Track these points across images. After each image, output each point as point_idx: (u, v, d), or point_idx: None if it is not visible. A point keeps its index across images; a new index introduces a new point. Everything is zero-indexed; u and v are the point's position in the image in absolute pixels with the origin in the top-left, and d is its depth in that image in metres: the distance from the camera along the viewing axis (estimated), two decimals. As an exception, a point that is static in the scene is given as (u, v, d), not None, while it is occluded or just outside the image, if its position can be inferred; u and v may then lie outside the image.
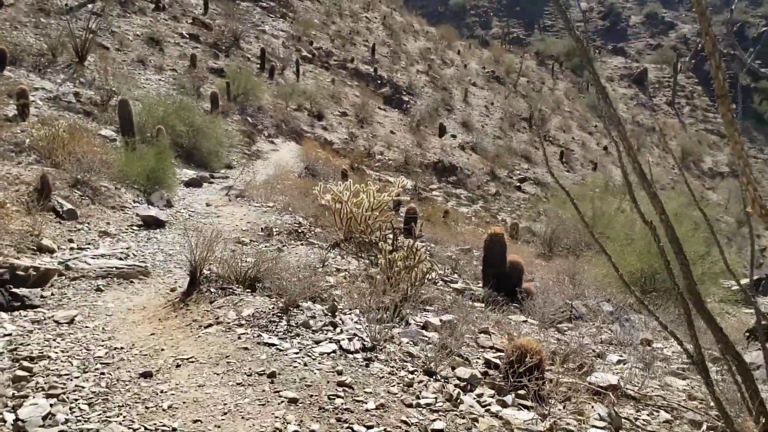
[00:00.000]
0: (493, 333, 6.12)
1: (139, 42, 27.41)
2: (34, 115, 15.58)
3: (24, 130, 12.26)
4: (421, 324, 5.94)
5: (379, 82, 42.03)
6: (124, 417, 3.79)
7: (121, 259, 7.26)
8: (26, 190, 8.88)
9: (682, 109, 76.75)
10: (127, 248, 8.01)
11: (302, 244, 8.75)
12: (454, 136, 39.87)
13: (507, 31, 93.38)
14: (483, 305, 7.28)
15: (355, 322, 5.42)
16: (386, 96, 40.74)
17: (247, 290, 6.05)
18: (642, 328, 7.58)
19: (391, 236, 8.14)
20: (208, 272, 6.23)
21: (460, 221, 24.28)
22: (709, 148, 69.16)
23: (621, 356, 6.18)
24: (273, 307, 5.48)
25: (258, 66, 32.05)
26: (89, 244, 8.15)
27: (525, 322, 6.99)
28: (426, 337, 5.52)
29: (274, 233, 9.33)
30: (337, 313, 5.57)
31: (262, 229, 9.49)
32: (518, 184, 37.08)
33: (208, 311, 5.50)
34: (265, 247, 8.45)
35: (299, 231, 9.65)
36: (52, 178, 9.67)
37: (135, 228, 9.35)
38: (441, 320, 6.03)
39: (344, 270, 7.43)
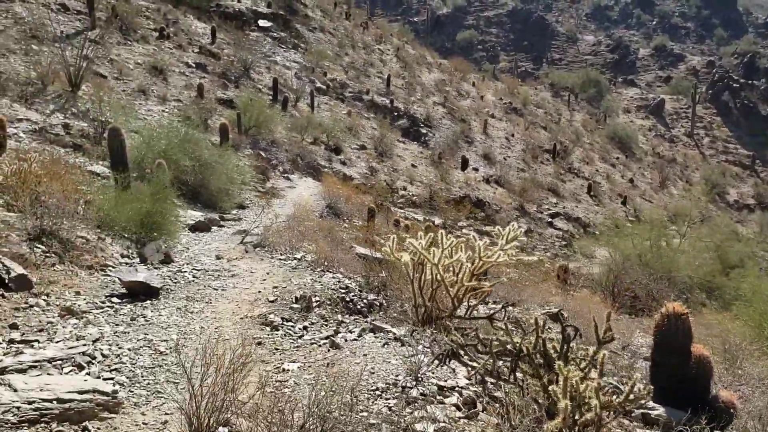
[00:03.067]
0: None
1: (140, 71, 25.06)
2: (12, 149, 13.03)
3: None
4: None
5: (396, 114, 39.69)
6: None
7: (80, 367, 4.51)
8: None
9: (701, 140, 74.32)
10: (95, 340, 5.23)
11: (364, 330, 5.95)
12: (476, 169, 37.35)
13: (516, 65, 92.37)
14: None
15: None
16: (404, 128, 38.33)
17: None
18: None
19: (503, 325, 5.31)
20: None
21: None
22: (732, 179, 66.36)
23: None
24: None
25: (270, 97, 29.67)
26: (42, 330, 5.41)
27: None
28: None
29: (314, 304, 6.56)
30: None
31: (296, 298, 6.71)
32: (549, 219, 34.34)
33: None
34: (310, 338, 5.64)
35: (349, 300, 6.90)
36: (6, 228, 6.99)
37: (116, 300, 6.59)
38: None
39: (452, 389, 4.62)
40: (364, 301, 6.97)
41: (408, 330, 5.71)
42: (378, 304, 6.95)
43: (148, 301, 6.66)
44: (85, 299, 6.45)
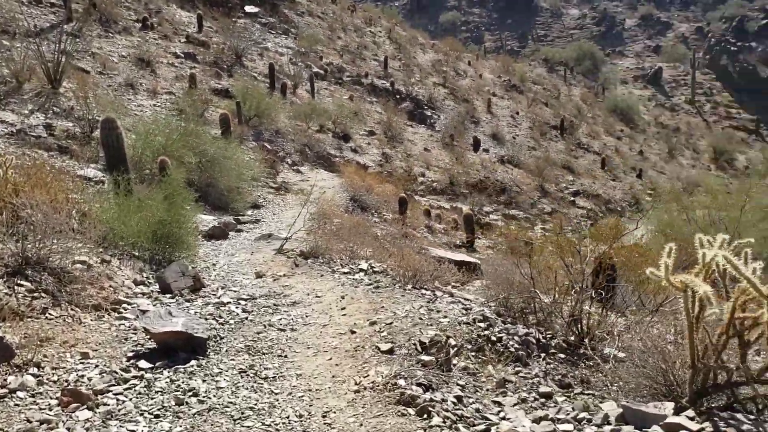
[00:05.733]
0: None
1: (126, 64, 22.57)
2: (-16, 155, 10.67)
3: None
4: None
5: (398, 96, 37.33)
6: None
7: None
8: None
9: (703, 107, 72.47)
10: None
11: (545, 404, 3.68)
12: (486, 150, 35.17)
13: (504, 44, 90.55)
14: None
15: None
16: (408, 111, 36.00)
17: None
18: None
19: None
20: None
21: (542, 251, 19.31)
22: (738, 145, 64.53)
23: None
24: None
25: (267, 85, 27.22)
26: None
27: None
28: None
29: (451, 350, 4.30)
30: None
31: (421, 343, 4.35)
32: (572, 198, 32.22)
33: None
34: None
35: (495, 340, 4.66)
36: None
37: (144, 364, 4.32)
38: None
39: None
40: (515, 338, 4.74)
41: (689, 415, 3.37)
42: (536, 340, 4.73)
43: (193, 361, 4.40)
44: (97, 367, 4.18)
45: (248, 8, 36.88)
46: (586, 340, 4.61)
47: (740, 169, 59.03)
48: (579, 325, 4.78)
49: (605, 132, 53.19)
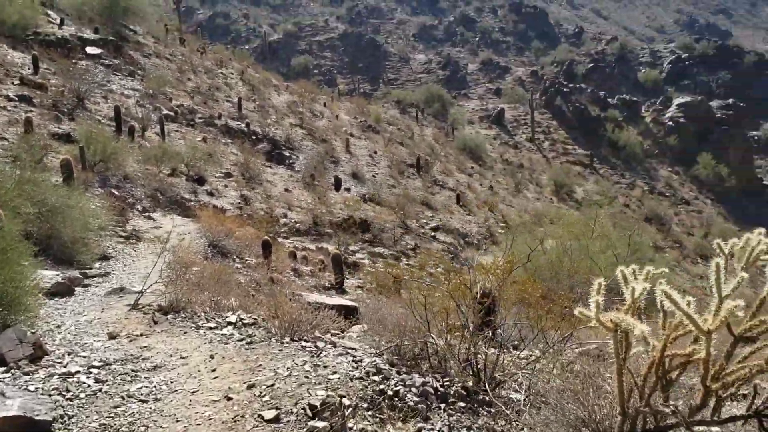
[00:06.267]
0: None
1: (-55, 108, 20.21)
2: None
3: None
4: None
5: (254, 137, 36.65)
6: None
7: None
8: None
9: (542, 144, 77.94)
10: None
11: None
12: (348, 189, 35.32)
13: (357, 87, 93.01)
14: None
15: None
16: (266, 152, 35.44)
17: None
18: None
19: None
20: None
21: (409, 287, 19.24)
22: (576, 179, 69.85)
23: None
24: None
25: (113, 128, 25.50)
26: None
27: None
28: None
29: (346, 412, 3.75)
30: None
31: (311, 407, 3.73)
32: (432, 233, 32.98)
33: None
34: None
35: (393, 394, 4.18)
36: None
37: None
38: None
39: None
40: (413, 389, 4.31)
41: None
42: (434, 390, 4.34)
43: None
44: None
45: (90, 50, 34.74)
46: (487, 385, 4.33)
47: (578, 201, 63.78)
48: (475, 368, 4.51)
49: (457, 169, 55.45)
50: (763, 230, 3.20)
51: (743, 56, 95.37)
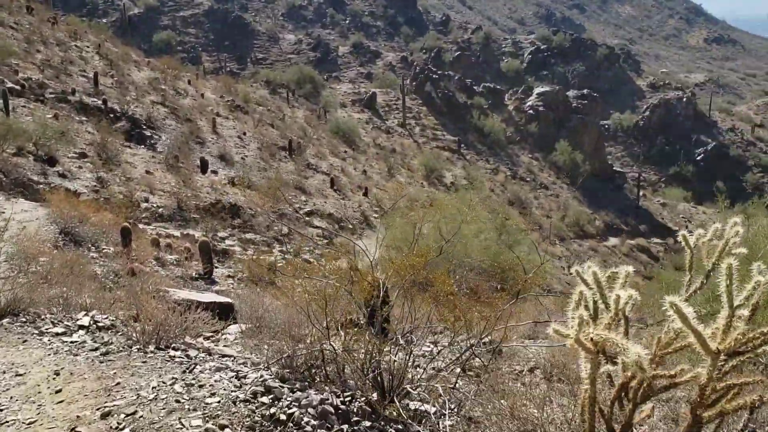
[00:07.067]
0: None
1: None
2: None
3: None
4: None
5: (112, 115, 33.93)
6: None
7: None
8: None
9: (413, 130, 79.11)
10: None
11: None
12: (215, 172, 33.70)
13: (223, 65, 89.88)
14: None
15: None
16: (126, 131, 32.92)
17: None
18: None
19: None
20: None
21: (281, 275, 18.42)
22: (445, 163, 71.63)
23: None
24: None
25: (-57, 100, 22.51)
26: None
27: None
28: None
29: None
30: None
31: None
32: (307, 218, 32.26)
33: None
34: None
35: (286, 418, 3.49)
36: None
37: None
38: None
39: None
40: (310, 410, 3.66)
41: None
42: (334, 409, 3.71)
43: None
44: None
45: None
46: (395, 397, 3.81)
47: (447, 185, 65.44)
48: (379, 379, 3.96)
49: (331, 153, 54.88)
50: (738, 220, 2.89)
51: (596, 49, 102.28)
